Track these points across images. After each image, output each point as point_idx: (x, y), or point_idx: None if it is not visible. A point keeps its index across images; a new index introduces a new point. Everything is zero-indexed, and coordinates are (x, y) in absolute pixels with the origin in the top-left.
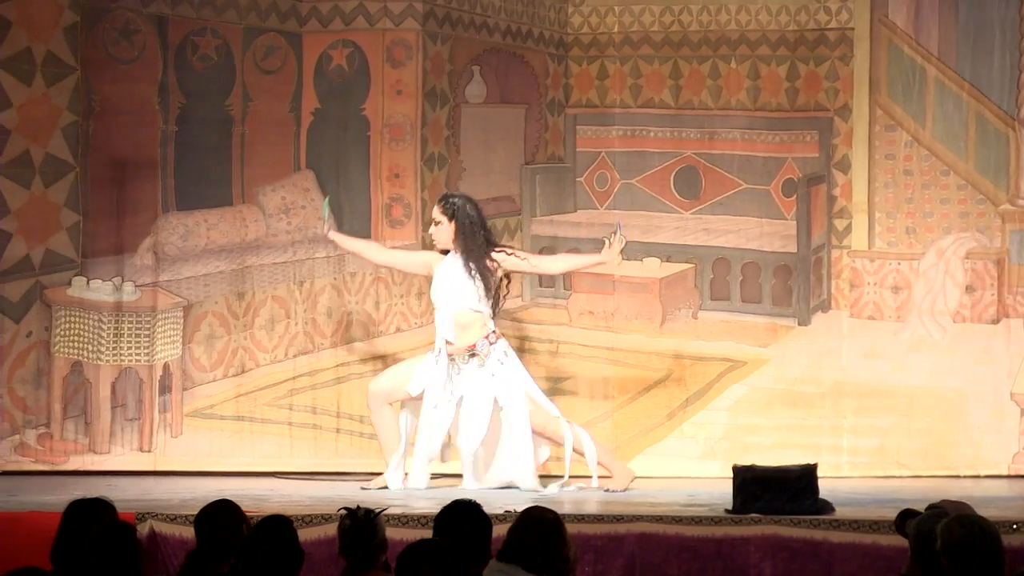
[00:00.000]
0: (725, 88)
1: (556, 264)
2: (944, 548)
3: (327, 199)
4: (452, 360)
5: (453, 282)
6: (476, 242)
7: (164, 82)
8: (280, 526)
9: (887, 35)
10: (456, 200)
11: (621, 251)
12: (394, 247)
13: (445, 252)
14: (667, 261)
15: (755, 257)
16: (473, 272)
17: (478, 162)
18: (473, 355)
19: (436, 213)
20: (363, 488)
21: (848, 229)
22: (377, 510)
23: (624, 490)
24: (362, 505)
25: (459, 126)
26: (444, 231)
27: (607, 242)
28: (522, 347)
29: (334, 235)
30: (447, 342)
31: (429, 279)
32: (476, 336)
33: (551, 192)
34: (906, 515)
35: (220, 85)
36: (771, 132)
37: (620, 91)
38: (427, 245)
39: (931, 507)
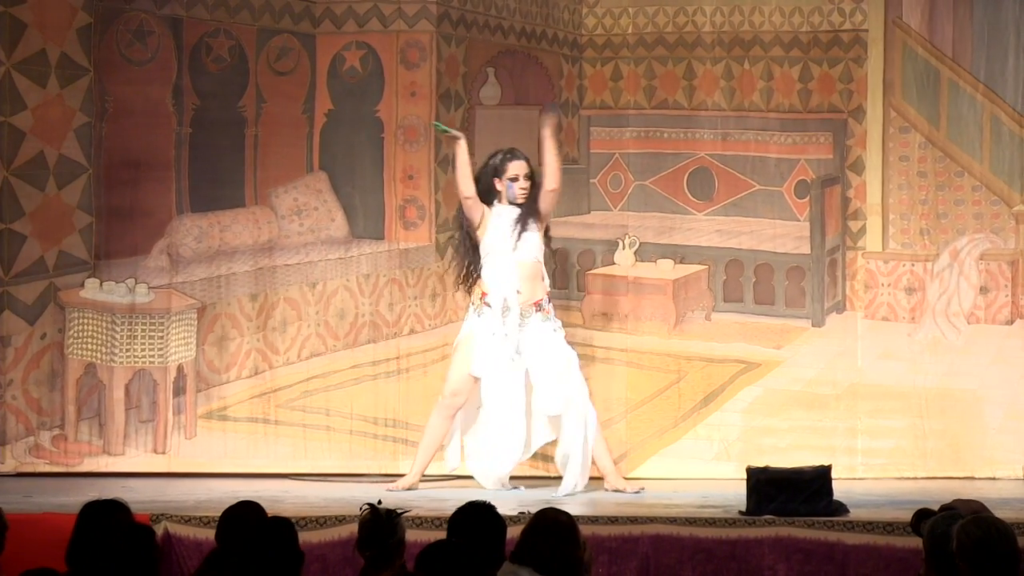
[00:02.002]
0: (739, 89)
1: (548, 175)
2: (960, 549)
3: (437, 123)
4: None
5: (516, 232)
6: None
7: (178, 84)
8: (280, 528)
9: (901, 36)
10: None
11: None
12: (407, 249)
13: (487, 204)
14: (680, 263)
15: (768, 259)
16: (535, 223)
17: None
18: (539, 309)
19: (522, 167)
20: (389, 490)
21: (862, 230)
22: (400, 510)
23: (619, 490)
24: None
25: (474, 128)
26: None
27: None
28: None
29: (455, 131)
30: (517, 291)
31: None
32: (540, 290)
33: (565, 193)
34: (922, 515)
35: (234, 86)
36: (784, 133)
37: (634, 92)
38: (440, 248)
39: (944, 507)
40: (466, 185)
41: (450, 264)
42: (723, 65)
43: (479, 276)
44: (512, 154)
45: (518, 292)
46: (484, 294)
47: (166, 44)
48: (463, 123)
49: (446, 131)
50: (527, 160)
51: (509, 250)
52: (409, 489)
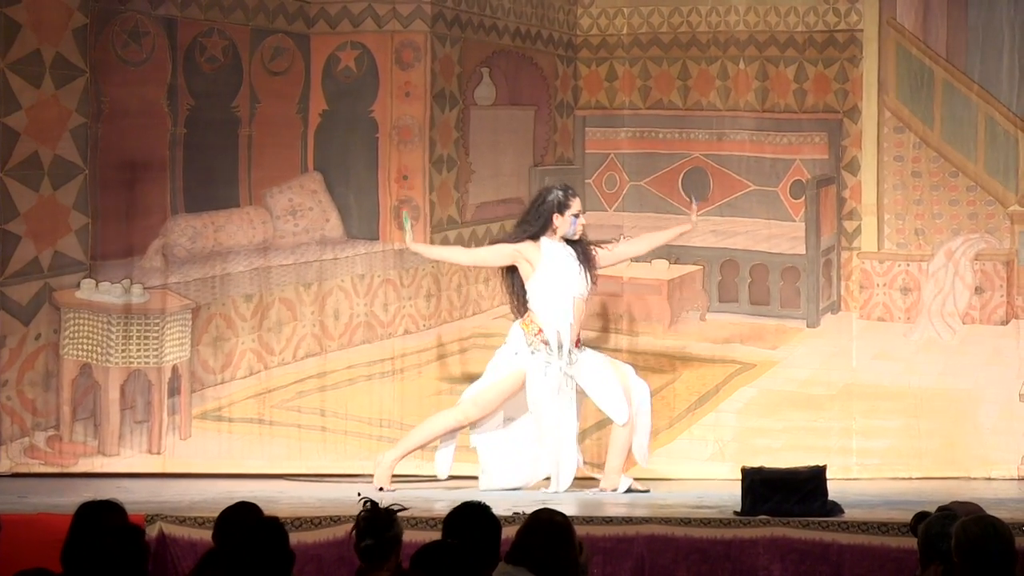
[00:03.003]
0: (734, 89)
1: (640, 244)
2: (958, 547)
3: (406, 214)
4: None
5: (573, 269)
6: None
7: (173, 84)
8: (270, 528)
9: (896, 37)
10: None
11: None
12: (401, 249)
13: (532, 239)
14: (675, 263)
15: (763, 259)
16: (585, 261)
17: (487, 164)
18: (579, 341)
19: (578, 204)
20: (380, 489)
21: (857, 231)
22: (396, 506)
23: (613, 490)
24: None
25: (468, 128)
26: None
27: (693, 208)
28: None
29: (416, 246)
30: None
31: (471, 275)
32: (580, 325)
33: None
34: (921, 517)
35: (228, 87)
36: (779, 134)
37: (629, 93)
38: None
39: (941, 509)
40: (498, 252)
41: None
42: (718, 65)
43: (527, 310)
44: (573, 190)
45: (571, 325)
46: (540, 330)
47: (161, 44)
48: (458, 123)
49: (404, 225)
50: (575, 195)
51: (574, 288)
52: (382, 468)
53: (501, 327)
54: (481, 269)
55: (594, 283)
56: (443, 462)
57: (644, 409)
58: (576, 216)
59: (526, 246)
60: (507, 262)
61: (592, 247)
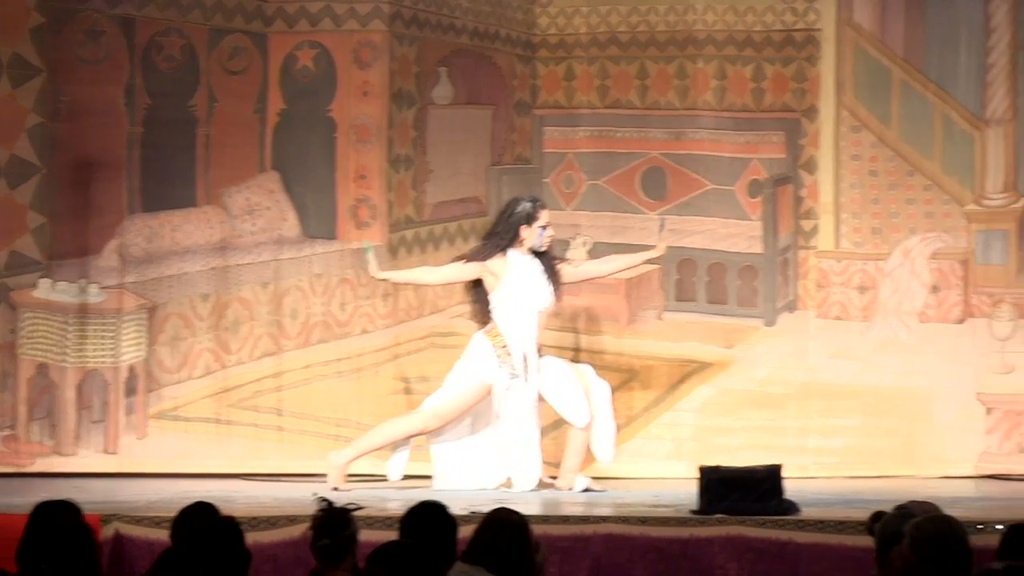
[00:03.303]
0: (692, 88)
1: (604, 266)
2: (913, 545)
3: (367, 245)
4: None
5: (538, 282)
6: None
7: (130, 83)
8: (226, 527)
9: (853, 36)
10: None
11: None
12: (359, 249)
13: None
14: None
15: (721, 258)
16: (551, 275)
17: (445, 163)
18: (540, 352)
19: (546, 215)
20: (334, 489)
21: (815, 230)
22: (351, 506)
23: (569, 489)
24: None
25: (426, 127)
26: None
27: (661, 234)
28: None
29: (382, 274)
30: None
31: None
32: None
33: (518, 193)
34: (878, 516)
35: (185, 86)
36: (737, 132)
37: (587, 92)
38: (392, 248)
39: (898, 508)
40: (466, 271)
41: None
42: (676, 64)
43: (490, 320)
44: (542, 202)
45: (534, 338)
46: (504, 345)
47: (119, 44)
48: (416, 122)
49: (367, 255)
50: (544, 207)
51: (539, 301)
52: (336, 468)
53: (459, 326)
54: None
55: (559, 299)
56: (396, 466)
57: (605, 408)
58: (544, 228)
59: (493, 260)
60: (474, 276)
61: (557, 261)
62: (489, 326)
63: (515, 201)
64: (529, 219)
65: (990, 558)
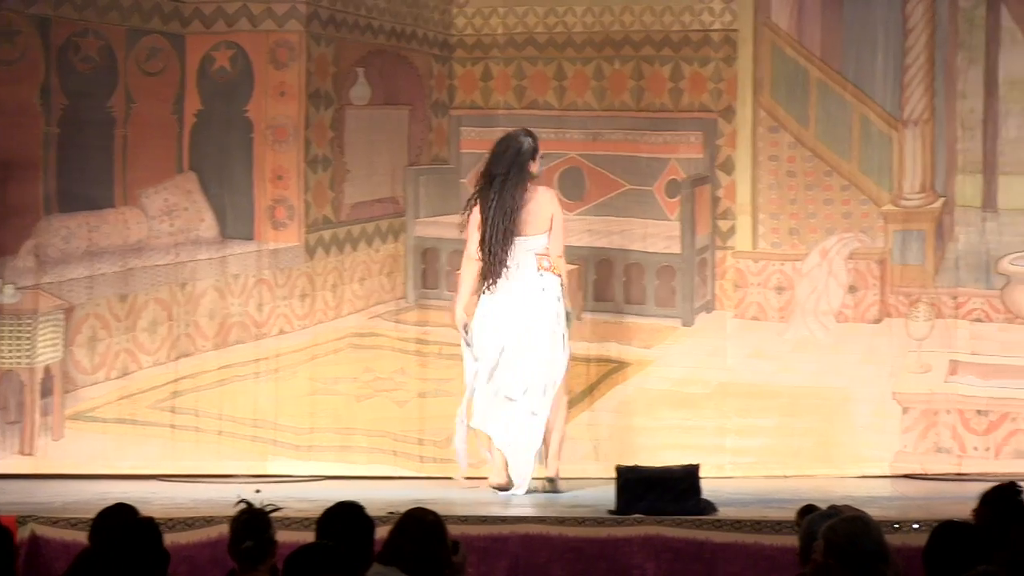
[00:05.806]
0: (609, 89)
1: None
2: (828, 546)
3: None
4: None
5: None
6: None
7: (46, 83)
8: (144, 528)
9: (770, 37)
10: None
11: None
12: (276, 249)
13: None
14: None
15: (639, 258)
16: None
17: (362, 164)
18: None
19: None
20: (257, 491)
21: (732, 230)
22: (269, 507)
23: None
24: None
25: (343, 128)
26: None
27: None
28: (406, 349)
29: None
30: None
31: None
32: None
33: (435, 194)
34: (808, 510)
35: (102, 87)
36: (655, 133)
37: (504, 92)
38: (310, 248)
39: (831, 508)
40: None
41: None
42: (593, 65)
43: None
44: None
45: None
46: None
47: (34, 44)
48: (333, 123)
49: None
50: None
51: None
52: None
53: (377, 327)
54: (356, 268)
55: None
56: (463, 459)
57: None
58: (542, 157)
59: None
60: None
61: None
62: (544, 261)
63: (511, 139)
64: (535, 152)
65: (907, 557)
